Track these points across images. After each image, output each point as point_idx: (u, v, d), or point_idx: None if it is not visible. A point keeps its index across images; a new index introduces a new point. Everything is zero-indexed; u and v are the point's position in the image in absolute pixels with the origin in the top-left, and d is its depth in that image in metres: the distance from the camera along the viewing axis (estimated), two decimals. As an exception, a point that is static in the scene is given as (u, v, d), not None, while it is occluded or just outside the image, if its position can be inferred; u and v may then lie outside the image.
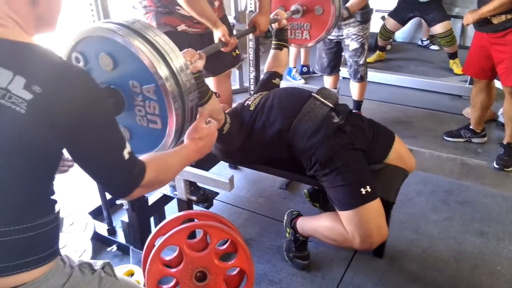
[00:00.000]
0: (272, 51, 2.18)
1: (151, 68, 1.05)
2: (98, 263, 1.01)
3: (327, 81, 3.23)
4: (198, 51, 1.48)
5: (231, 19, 3.51)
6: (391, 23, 4.39)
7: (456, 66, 4.33)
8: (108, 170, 0.91)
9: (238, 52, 2.22)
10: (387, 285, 1.80)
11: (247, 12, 2.42)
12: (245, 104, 1.83)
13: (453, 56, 4.33)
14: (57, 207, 0.89)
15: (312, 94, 1.77)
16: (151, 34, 1.09)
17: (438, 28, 4.15)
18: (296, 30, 2.44)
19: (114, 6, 1.70)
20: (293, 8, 2.32)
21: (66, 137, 0.81)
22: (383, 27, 4.48)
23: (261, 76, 2.21)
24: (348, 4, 2.67)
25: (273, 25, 2.12)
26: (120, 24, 1.08)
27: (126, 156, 0.90)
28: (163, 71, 1.06)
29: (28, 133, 0.76)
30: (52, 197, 0.88)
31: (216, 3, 1.95)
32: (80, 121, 0.81)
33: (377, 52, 4.76)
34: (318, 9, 2.31)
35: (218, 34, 1.73)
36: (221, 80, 2.23)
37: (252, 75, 2.56)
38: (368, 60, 4.58)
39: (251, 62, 2.51)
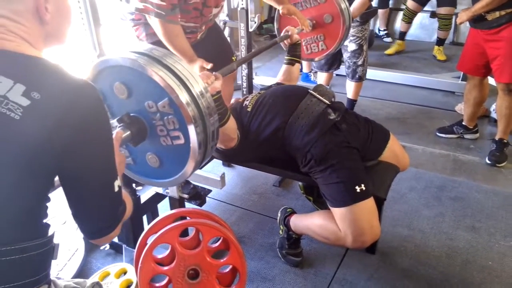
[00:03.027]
0: (284, 66, 2.18)
1: (172, 93, 1.07)
2: (88, 283, 0.98)
3: (321, 78, 3.23)
4: (214, 73, 1.49)
5: (223, 15, 3.51)
6: (411, 3, 4.56)
7: (439, 52, 4.60)
8: (94, 200, 0.86)
9: (235, 58, 2.28)
10: (379, 281, 1.81)
11: (239, 9, 2.42)
12: (244, 105, 1.83)
13: (440, 42, 4.60)
14: (50, 232, 0.85)
15: (309, 91, 1.78)
16: (171, 61, 1.11)
17: (443, 10, 4.37)
18: (311, 44, 2.46)
19: (104, 14, 1.70)
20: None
21: (60, 151, 0.77)
22: (406, 8, 4.63)
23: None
24: None
25: (285, 41, 2.12)
26: (138, 53, 1.11)
27: (116, 188, 0.87)
28: (184, 97, 1.08)
29: (21, 139, 0.73)
30: (44, 220, 0.84)
31: (204, 26, 2.00)
32: (78, 133, 0.78)
33: (396, 41, 4.90)
34: (327, 18, 2.32)
35: (197, 66, 1.76)
36: (226, 82, 2.26)
37: (245, 72, 2.56)
38: (387, 52, 4.82)
39: (243, 59, 2.51)
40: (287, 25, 2.25)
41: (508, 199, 2.31)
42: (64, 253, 1.90)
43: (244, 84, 2.61)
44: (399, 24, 5.40)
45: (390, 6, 5.18)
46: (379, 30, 5.32)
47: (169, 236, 1.53)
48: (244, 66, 2.56)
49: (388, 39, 5.23)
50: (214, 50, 2.17)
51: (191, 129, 1.11)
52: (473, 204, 2.29)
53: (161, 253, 1.63)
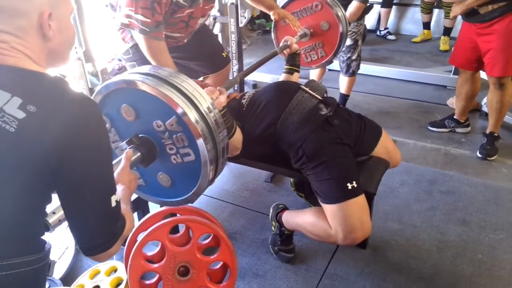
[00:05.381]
0: (283, 75, 2.16)
1: (179, 111, 1.09)
2: None
3: (314, 73, 3.23)
4: (218, 87, 1.48)
5: (214, 11, 3.49)
6: None
7: (443, 42, 4.64)
8: (90, 215, 0.84)
9: (226, 53, 2.31)
10: (370, 275, 1.82)
11: (229, 4, 2.41)
12: (241, 103, 1.82)
13: (447, 31, 4.64)
14: (46, 248, 0.84)
15: (301, 86, 1.77)
16: (177, 80, 1.13)
17: None
18: (310, 52, 2.47)
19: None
20: (300, 32, 2.32)
21: (56, 164, 0.76)
22: (422, 1, 4.70)
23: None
24: None
25: (284, 51, 2.11)
26: (144, 74, 1.13)
27: (113, 203, 0.86)
28: (192, 115, 1.10)
29: (16, 152, 0.73)
30: (40, 236, 0.83)
31: (190, 34, 2.02)
32: (74, 146, 0.77)
33: (423, 31, 5.00)
34: (324, 25, 2.33)
35: None
36: (219, 79, 2.28)
37: (235, 67, 2.55)
38: (414, 40, 4.97)
39: (233, 54, 2.50)
40: (284, 34, 2.25)
41: (498, 193, 2.33)
42: (54, 251, 1.89)
43: (235, 80, 2.60)
44: (403, 20, 5.43)
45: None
46: (379, 30, 5.27)
47: (159, 233, 1.52)
48: (235, 62, 2.56)
49: (392, 37, 5.20)
50: (204, 48, 2.17)
51: (201, 145, 1.13)
52: (464, 197, 2.30)
53: (151, 250, 1.63)
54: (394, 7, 5.20)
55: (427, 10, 4.79)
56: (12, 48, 0.80)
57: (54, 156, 0.75)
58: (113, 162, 1.04)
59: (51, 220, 0.88)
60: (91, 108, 0.81)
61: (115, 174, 1.04)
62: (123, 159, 1.09)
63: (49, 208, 0.89)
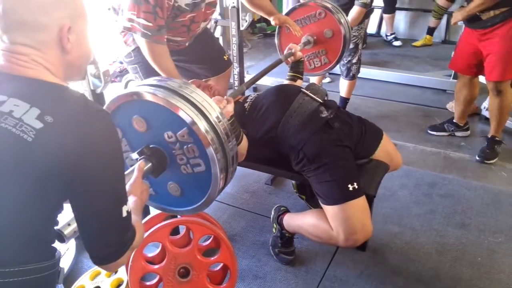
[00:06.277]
0: (286, 82, 2.16)
1: (190, 123, 1.11)
2: None
3: (314, 77, 3.24)
4: (225, 97, 1.49)
5: (215, 14, 3.51)
6: (442, 0, 4.50)
7: None
8: (101, 224, 0.86)
9: (227, 56, 2.33)
10: (369, 277, 1.82)
11: (230, 8, 2.42)
12: (244, 107, 1.83)
13: None
14: (56, 255, 0.86)
15: (301, 89, 1.78)
16: (187, 91, 1.15)
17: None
18: (313, 59, 2.49)
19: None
20: (304, 40, 2.34)
21: (70, 173, 0.78)
22: (436, 5, 4.65)
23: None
24: None
25: (289, 58, 2.12)
26: (154, 85, 1.15)
27: (124, 213, 0.87)
28: (202, 125, 1.11)
29: (33, 160, 0.75)
30: (51, 243, 0.85)
31: (191, 38, 2.02)
32: (88, 157, 0.79)
33: (425, 36, 5.01)
34: (328, 33, 2.35)
35: None
36: (221, 81, 2.30)
37: (236, 71, 2.56)
38: (414, 44, 4.98)
39: (234, 58, 2.52)
40: (287, 41, 2.26)
41: (497, 196, 2.34)
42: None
43: (236, 83, 2.62)
44: (403, 24, 5.46)
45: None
46: (386, 35, 5.27)
47: (160, 235, 1.54)
48: (236, 65, 2.57)
49: (397, 43, 5.18)
50: (205, 51, 2.18)
51: (212, 155, 1.14)
52: (463, 201, 2.31)
53: (152, 252, 1.64)
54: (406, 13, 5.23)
55: (439, 15, 4.74)
56: (32, 60, 0.83)
57: (68, 166, 0.77)
58: (125, 172, 1.05)
59: (66, 231, 0.90)
60: (105, 120, 0.84)
61: (127, 186, 1.06)
62: (135, 170, 1.11)
63: (63, 220, 0.91)
